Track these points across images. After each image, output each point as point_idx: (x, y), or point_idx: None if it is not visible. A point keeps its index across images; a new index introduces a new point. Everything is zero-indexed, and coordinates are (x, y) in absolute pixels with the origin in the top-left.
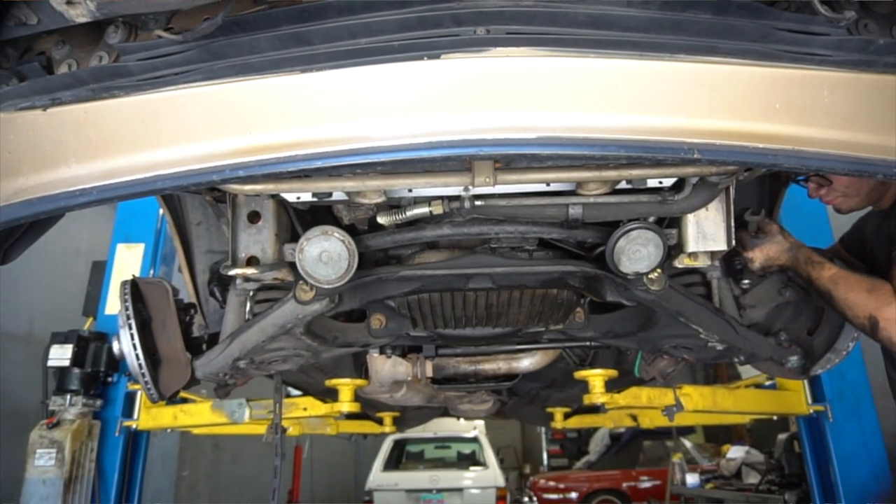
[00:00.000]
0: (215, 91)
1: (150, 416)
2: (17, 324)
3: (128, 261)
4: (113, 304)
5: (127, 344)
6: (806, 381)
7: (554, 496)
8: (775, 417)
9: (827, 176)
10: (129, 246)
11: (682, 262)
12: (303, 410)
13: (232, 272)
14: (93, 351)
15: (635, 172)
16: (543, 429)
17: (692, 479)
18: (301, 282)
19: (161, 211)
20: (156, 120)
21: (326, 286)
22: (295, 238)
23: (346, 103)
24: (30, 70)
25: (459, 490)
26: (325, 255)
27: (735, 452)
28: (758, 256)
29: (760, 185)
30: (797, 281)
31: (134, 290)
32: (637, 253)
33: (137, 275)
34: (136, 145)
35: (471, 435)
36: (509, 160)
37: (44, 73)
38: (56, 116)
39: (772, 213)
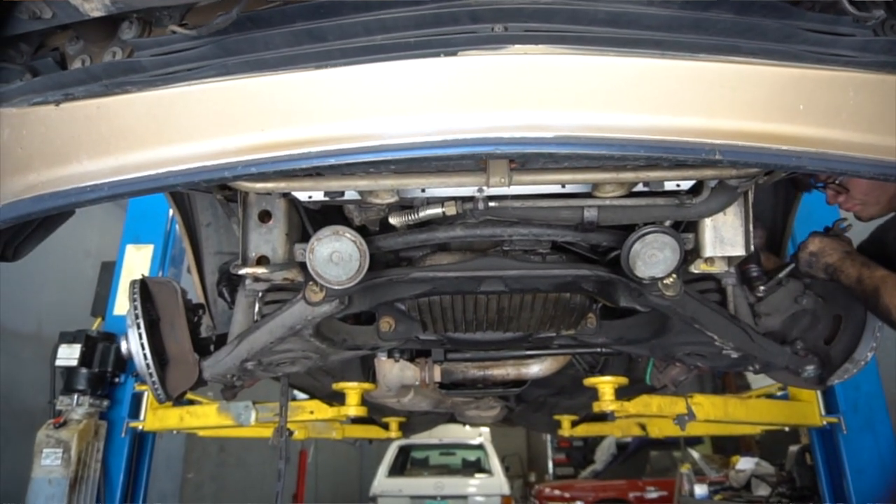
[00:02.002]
0: (228, 87)
1: (156, 417)
2: (25, 323)
3: (137, 262)
4: (121, 304)
5: (135, 343)
6: (819, 392)
7: None
8: (787, 429)
9: (845, 184)
10: (138, 247)
11: (698, 268)
12: (309, 414)
13: (242, 271)
14: (101, 351)
15: (653, 174)
16: (549, 437)
17: (700, 490)
18: (311, 283)
19: (171, 212)
20: (168, 116)
21: (337, 287)
22: (306, 238)
23: (360, 100)
24: (43, 65)
25: (464, 497)
26: (336, 255)
27: (745, 464)
28: (814, 243)
29: (775, 192)
30: (815, 289)
31: (143, 289)
32: (653, 257)
33: (147, 276)
34: (148, 141)
35: (476, 442)
36: (526, 160)
37: (57, 68)
38: (68, 112)
39: (786, 219)
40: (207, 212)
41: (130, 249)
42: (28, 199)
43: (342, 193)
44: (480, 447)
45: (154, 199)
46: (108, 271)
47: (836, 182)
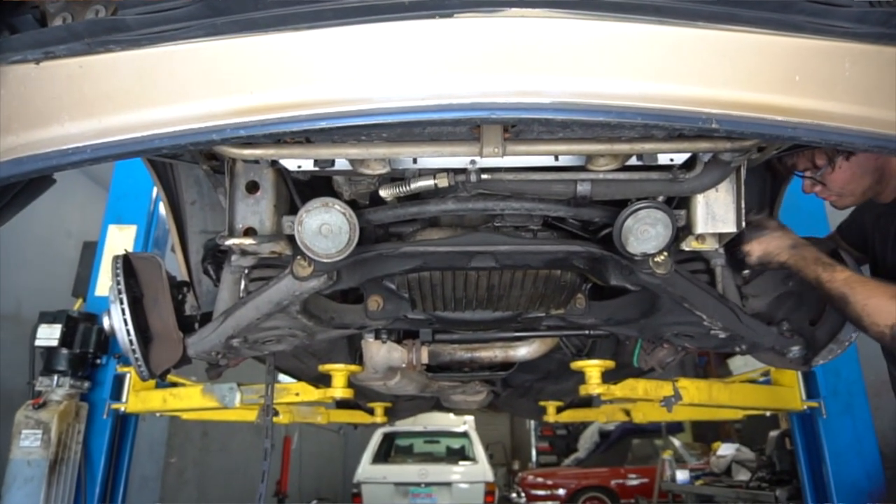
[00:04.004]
0: (217, 48)
1: (138, 398)
2: (4, 304)
3: (119, 242)
4: (103, 285)
5: (118, 319)
6: (800, 377)
7: (542, 492)
8: (768, 414)
9: (822, 178)
10: (120, 227)
11: (689, 245)
12: (295, 396)
13: (229, 242)
14: (82, 332)
15: (648, 146)
16: (533, 426)
17: (682, 475)
18: (299, 257)
19: (154, 192)
20: (154, 76)
21: (326, 260)
22: (294, 212)
23: (353, 63)
24: (22, 23)
25: (448, 484)
26: (326, 227)
27: (725, 449)
28: (755, 250)
29: (762, 180)
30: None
31: (126, 265)
32: (645, 233)
33: (130, 251)
34: (132, 102)
35: (461, 430)
36: (521, 127)
37: (37, 25)
38: (49, 70)
39: (773, 207)
40: (192, 189)
41: (113, 230)
42: (6, 163)
43: (332, 163)
44: (465, 435)
45: (137, 179)
46: (90, 251)
47: (815, 176)
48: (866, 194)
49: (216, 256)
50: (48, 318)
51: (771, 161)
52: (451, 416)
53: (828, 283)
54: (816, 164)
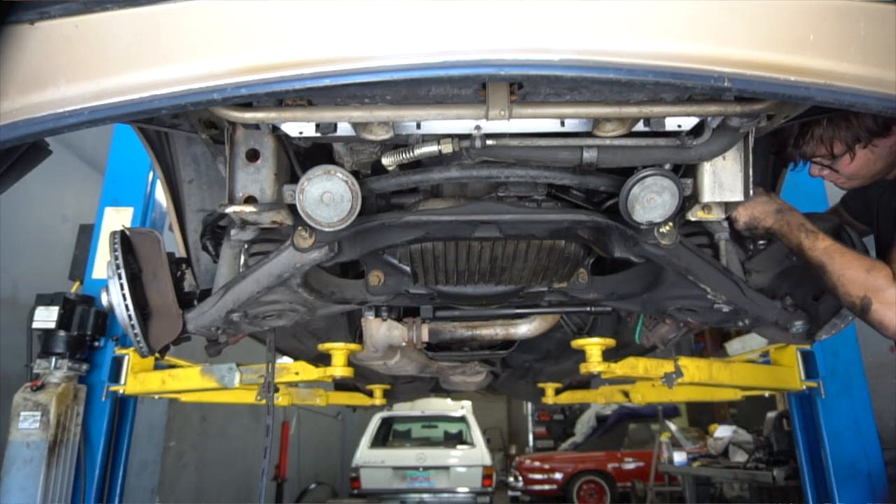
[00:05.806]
0: (217, 5)
1: (137, 380)
2: (1, 288)
3: (116, 225)
4: (100, 268)
5: (116, 295)
6: (799, 358)
7: (539, 476)
8: (767, 395)
9: (834, 166)
10: (117, 210)
11: (695, 215)
12: (294, 375)
13: (229, 209)
14: (79, 314)
15: (657, 109)
16: (530, 411)
17: (679, 457)
18: (300, 227)
19: (151, 174)
20: (153, 36)
21: (327, 230)
22: (294, 181)
23: (357, 19)
24: None
25: (446, 468)
26: (328, 195)
27: (723, 432)
28: (741, 215)
29: (765, 159)
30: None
31: (124, 240)
32: (652, 201)
33: (127, 227)
34: (131, 63)
35: (458, 414)
36: (529, 89)
37: None
38: (44, 31)
39: (776, 183)
40: (190, 167)
41: (109, 212)
42: (1, 127)
43: (334, 128)
44: (462, 419)
45: (133, 161)
46: (87, 234)
47: (832, 165)
48: (875, 177)
49: (215, 232)
50: (45, 300)
51: (785, 148)
52: (449, 401)
53: (809, 250)
54: (834, 152)
